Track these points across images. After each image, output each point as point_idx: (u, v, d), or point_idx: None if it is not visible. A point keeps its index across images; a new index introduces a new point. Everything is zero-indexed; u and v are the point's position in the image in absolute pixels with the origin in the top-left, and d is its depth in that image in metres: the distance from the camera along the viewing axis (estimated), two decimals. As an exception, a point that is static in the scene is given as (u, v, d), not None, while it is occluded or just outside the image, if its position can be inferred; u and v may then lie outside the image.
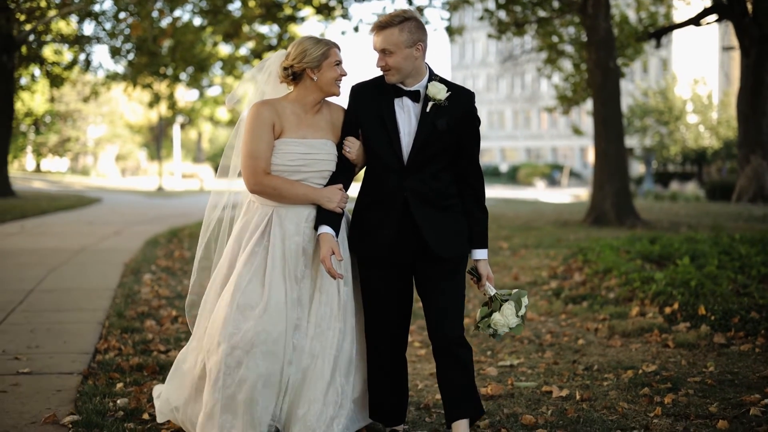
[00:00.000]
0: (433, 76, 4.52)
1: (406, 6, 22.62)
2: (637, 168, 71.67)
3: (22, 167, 69.35)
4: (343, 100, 4.72)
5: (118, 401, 5.37)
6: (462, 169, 4.58)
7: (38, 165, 71.00)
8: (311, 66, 4.48)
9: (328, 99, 4.67)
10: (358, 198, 4.65)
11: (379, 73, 4.53)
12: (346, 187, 4.59)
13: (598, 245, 12.13)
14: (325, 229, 4.45)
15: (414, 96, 4.48)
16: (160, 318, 8.31)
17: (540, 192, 57.08)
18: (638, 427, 4.97)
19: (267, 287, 4.40)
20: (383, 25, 4.39)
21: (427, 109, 4.44)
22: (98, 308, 8.75)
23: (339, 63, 4.53)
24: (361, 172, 4.75)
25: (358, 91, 4.62)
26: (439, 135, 4.43)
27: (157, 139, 65.25)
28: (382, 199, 4.51)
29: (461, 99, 4.51)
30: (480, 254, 4.63)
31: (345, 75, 4.57)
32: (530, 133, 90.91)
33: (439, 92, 4.42)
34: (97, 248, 14.50)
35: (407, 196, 4.45)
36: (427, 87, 4.46)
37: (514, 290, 4.62)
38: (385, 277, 4.59)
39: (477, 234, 4.61)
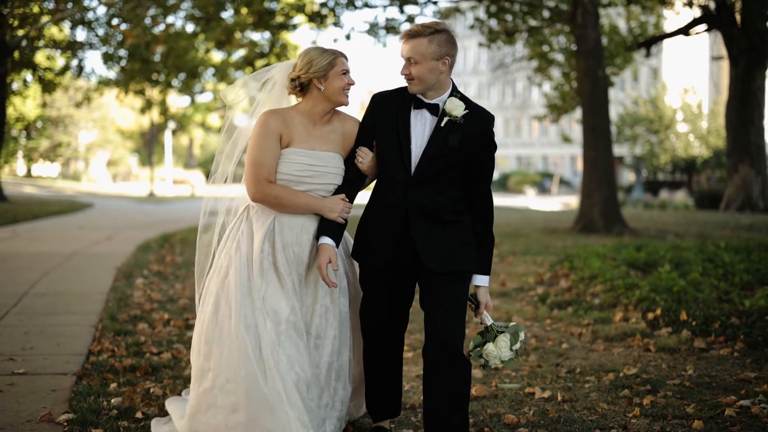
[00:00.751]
0: (455, 93, 4.48)
1: (397, 14, 22.81)
2: (627, 176, 71.91)
3: (13, 172, 69.26)
4: (350, 109, 4.73)
5: (112, 400, 5.50)
6: (472, 192, 4.52)
7: (29, 170, 70.93)
8: (318, 76, 4.47)
9: (339, 109, 4.66)
10: (366, 206, 4.65)
11: (402, 82, 4.50)
12: (351, 199, 4.59)
13: (584, 252, 12.31)
14: (325, 240, 4.47)
15: (433, 109, 4.45)
16: (153, 321, 8.44)
17: (530, 200, 57.29)
18: (617, 427, 5.14)
19: (287, 292, 4.43)
20: (413, 34, 4.37)
21: (442, 124, 4.40)
22: (91, 311, 8.87)
23: (346, 72, 4.53)
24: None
25: (378, 99, 4.60)
26: (450, 151, 4.38)
27: (148, 145, 65.29)
28: (386, 209, 4.50)
29: (479, 120, 4.46)
30: (481, 280, 4.57)
31: (353, 84, 4.55)
32: (521, 141, 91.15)
33: (456, 108, 4.39)
34: (89, 253, 14.62)
35: (408, 208, 4.43)
36: (446, 102, 4.44)
37: (512, 323, 4.57)
38: (385, 283, 4.59)
39: (480, 260, 4.56)
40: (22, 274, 11.46)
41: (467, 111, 4.42)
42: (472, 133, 4.42)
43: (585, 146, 19.42)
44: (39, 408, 5.41)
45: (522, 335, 4.53)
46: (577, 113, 27.40)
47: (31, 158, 69.73)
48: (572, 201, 51.00)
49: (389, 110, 4.51)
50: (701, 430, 5.04)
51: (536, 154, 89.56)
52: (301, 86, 4.55)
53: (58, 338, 7.53)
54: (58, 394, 5.76)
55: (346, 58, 4.56)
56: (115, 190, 59.20)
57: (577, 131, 61.64)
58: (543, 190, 73.70)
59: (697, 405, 5.55)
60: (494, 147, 4.52)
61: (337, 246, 4.51)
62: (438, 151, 4.38)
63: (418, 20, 22.36)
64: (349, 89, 4.55)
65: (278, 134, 4.47)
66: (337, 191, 4.58)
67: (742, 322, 7.65)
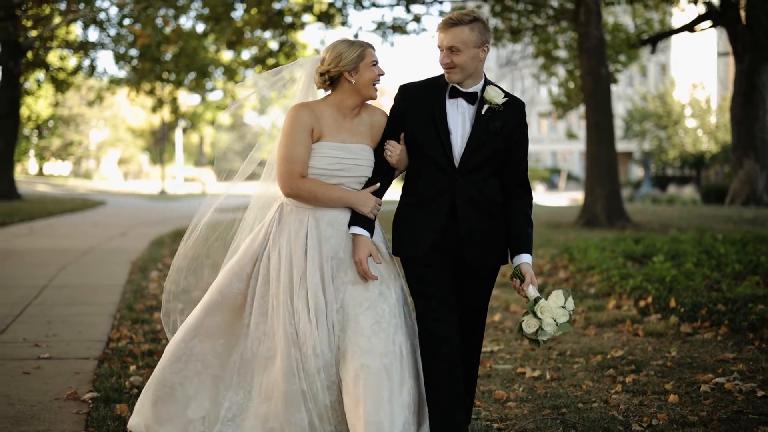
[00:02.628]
0: (488, 81, 4.49)
1: (404, 14, 23.18)
2: (636, 172, 72.11)
3: (25, 171, 69.81)
4: (376, 102, 4.68)
5: (132, 380, 5.94)
6: (511, 178, 4.53)
7: (41, 168, 71.50)
8: (348, 69, 4.42)
9: (367, 102, 4.60)
10: (403, 199, 4.57)
11: (425, 75, 4.50)
12: (383, 191, 4.54)
13: (584, 245, 12.69)
14: (359, 231, 4.40)
15: (470, 98, 4.43)
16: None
17: (539, 195, 57.53)
18: (598, 401, 5.56)
19: (311, 293, 4.41)
20: (453, 22, 4.33)
21: (483, 112, 4.40)
22: (109, 302, 9.31)
23: (375, 63, 4.47)
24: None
25: (408, 90, 4.53)
26: (492, 138, 4.40)
27: (159, 143, 65.72)
28: (430, 199, 4.43)
29: (515, 107, 4.48)
30: (525, 258, 4.46)
31: (383, 74, 4.49)
32: (530, 136, 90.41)
33: (497, 96, 4.39)
34: (104, 248, 15.08)
35: (456, 198, 4.39)
36: (484, 90, 4.43)
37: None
38: (431, 270, 4.45)
39: (525, 239, 4.48)
40: (41, 269, 11.90)
41: (506, 99, 4.44)
42: (510, 120, 4.46)
43: (588, 142, 19.81)
44: (65, 388, 5.85)
45: (571, 301, 4.36)
46: (582, 109, 27.73)
47: (43, 157, 70.25)
48: (580, 196, 51.25)
49: (422, 101, 4.47)
50: (676, 404, 5.46)
51: (545, 150, 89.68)
52: (331, 80, 4.49)
53: (78, 327, 7.97)
54: (82, 376, 6.20)
55: (374, 49, 4.51)
56: (126, 188, 59.71)
57: (584, 127, 61.77)
58: (552, 185, 73.89)
59: (675, 382, 5.96)
60: (527, 129, 4.60)
61: (372, 236, 4.45)
62: (482, 138, 4.39)
63: (424, 19, 22.70)
64: (379, 81, 4.50)
65: (309, 128, 4.43)
66: (369, 183, 4.50)
67: (728, 308, 8.02)
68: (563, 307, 4.31)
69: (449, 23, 4.34)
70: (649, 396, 5.67)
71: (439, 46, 4.40)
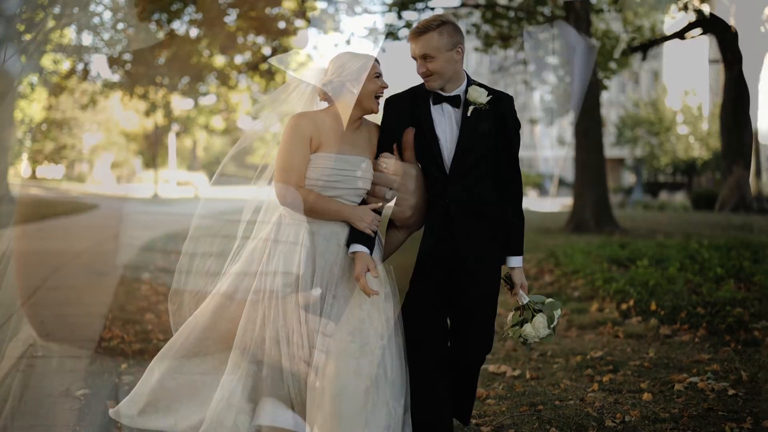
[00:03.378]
0: (471, 81, 4.43)
1: (395, 20, 23.34)
2: (628, 178, 72.28)
3: (18, 174, 69.68)
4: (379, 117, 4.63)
5: (123, 378, 6.10)
6: (504, 174, 4.47)
7: (34, 172, 71.44)
8: (350, 79, 4.38)
9: (366, 117, 4.55)
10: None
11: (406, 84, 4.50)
12: (382, 208, 4.47)
13: (571, 249, 12.88)
14: (359, 248, 4.29)
15: (454, 101, 4.39)
16: (159, 312, 9.00)
17: (531, 201, 57.61)
18: (574, 399, 5.75)
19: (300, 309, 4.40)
20: (422, 30, 4.29)
21: (468, 114, 4.35)
22: (101, 303, 9.45)
23: (378, 75, 4.43)
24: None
25: (392, 102, 4.49)
26: (481, 140, 4.34)
27: (152, 147, 65.75)
28: (426, 208, 4.42)
29: (502, 103, 4.41)
30: (515, 261, 4.52)
31: (386, 87, 4.45)
32: (523, 142, 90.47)
33: (481, 96, 4.34)
34: (97, 251, 15.21)
35: (449, 204, 4.36)
36: (467, 91, 4.38)
37: (548, 300, 4.54)
38: (428, 278, 4.45)
39: (513, 241, 4.50)
40: (35, 270, 12.02)
41: (490, 96, 4.38)
42: (498, 117, 4.38)
43: (577, 148, 20.02)
44: (58, 385, 6.00)
45: (558, 312, 4.50)
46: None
47: (36, 160, 70.18)
48: (571, 202, 51.26)
49: (407, 110, 4.43)
50: (649, 402, 5.65)
51: (538, 156, 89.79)
52: (333, 91, 4.46)
53: (71, 326, 8.13)
54: (74, 374, 6.35)
55: (378, 62, 4.45)
56: (119, 191, 59.68)
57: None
58: (544, 191, 73.95)
59: (651, 382, 6.16)
60: (518, 125, 4.48)
61: (371, 253, 4.36)
62: (471, 141, 4.33)
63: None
64: (382, 93, 4.45)
65: (308, 137, 4.36)
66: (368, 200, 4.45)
67: (707, 311, 8.20)
68: (548, 327, 4.44)
69: (417, 32, 4.32)
70: (624, 394, 5.86)
71: (413, 57, 4.37)
